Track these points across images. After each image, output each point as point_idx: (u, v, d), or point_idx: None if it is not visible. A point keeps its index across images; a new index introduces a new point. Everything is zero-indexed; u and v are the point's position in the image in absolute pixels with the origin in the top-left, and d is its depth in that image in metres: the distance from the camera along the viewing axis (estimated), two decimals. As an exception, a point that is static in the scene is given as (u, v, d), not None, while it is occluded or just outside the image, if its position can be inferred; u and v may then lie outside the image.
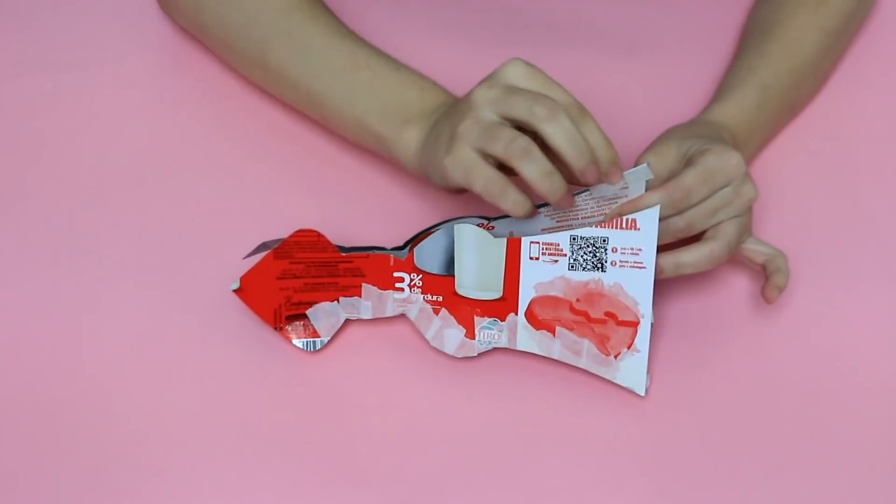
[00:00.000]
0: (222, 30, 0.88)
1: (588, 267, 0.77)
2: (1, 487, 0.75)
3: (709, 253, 0.78)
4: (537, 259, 0.77)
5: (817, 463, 0.77)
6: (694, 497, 0.76)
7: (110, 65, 0.95)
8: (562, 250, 0.77)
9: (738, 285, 0.85)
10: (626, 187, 0.77)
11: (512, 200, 0.74)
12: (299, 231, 0.78)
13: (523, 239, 0.77)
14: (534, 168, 0.73)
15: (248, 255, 0.80)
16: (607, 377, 0.79)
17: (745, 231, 0.80)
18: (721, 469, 0.77)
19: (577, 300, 0.78)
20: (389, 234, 0.86)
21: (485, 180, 0.74)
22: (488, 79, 0.76)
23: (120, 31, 0.97)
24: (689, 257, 0.78)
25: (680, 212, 0.78)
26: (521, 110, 0.74)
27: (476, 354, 0.80)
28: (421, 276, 0.79)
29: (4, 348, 0.81)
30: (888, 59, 0.97)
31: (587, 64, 0.95)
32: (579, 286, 0.78)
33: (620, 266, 0.77)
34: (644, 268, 0.76)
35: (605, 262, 0.77)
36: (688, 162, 0.79)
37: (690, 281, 0.85)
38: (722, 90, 0.88)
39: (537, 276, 0.78)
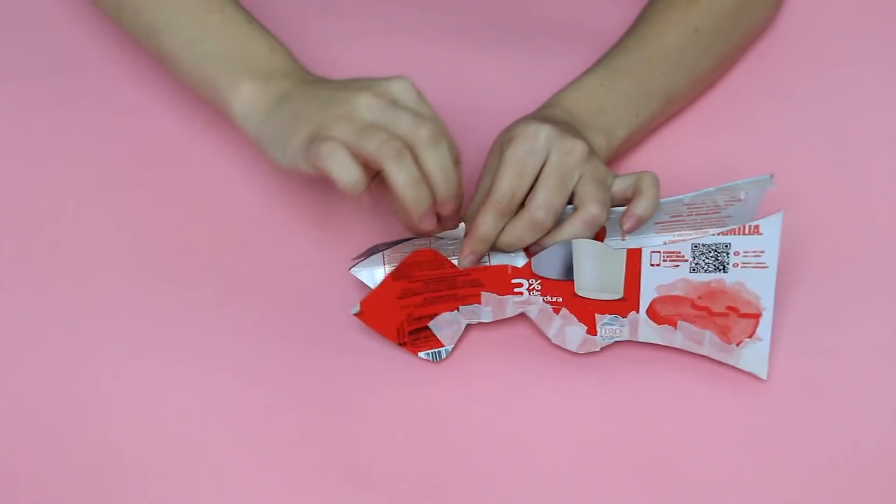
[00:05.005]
0: None
1: (710, 269, 0.77)
2: (1, 488, 0.75)
3: (581, 222, 0.77)
4: (658, 266, 0.77)
5: (817, 463, 0.77)
6: (693, 497, 0.76)
7: (110, 65, 0.95)
8: (683, 257, 0.77)
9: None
10: (744, 197, 0.77)
11: (341, 166, 0.71)
12: (416, 251, 0.78)
13: (644, 249, 0.77)
14: (403, 173, 0.71)
15: (357, 258, 0.81)
16: (729, 363, 0.80)
17: (604, 179, 0.78)
18: (720, 469, 0.77)
19: (699, 297, 0.78)
20: (391, 230, 0.86)
21: (333, 154, 0.71)
22: (372, 87, 0.74)
23: (119, 31, 0.97)
24: (567, 234, 0.77)
25: (510, 212, 0.77)
26: (374, 142, 0.71)
27: (599, 350, 0.81)
28: (539, 280, 0.79)
29: (4, 348, 0.81)
30: (889, 61, 0.97)
31: (586, 65, 0.95)
32: (701, 286, 0.78)
33: (742, 267, 0.77)
34: (766, 267, 0.77)
35: (728, 264, 0.77)
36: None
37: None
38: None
39: (659, 280, 0.78)
